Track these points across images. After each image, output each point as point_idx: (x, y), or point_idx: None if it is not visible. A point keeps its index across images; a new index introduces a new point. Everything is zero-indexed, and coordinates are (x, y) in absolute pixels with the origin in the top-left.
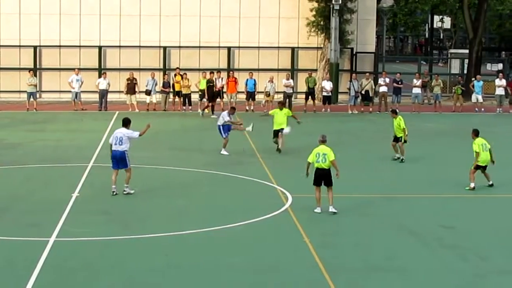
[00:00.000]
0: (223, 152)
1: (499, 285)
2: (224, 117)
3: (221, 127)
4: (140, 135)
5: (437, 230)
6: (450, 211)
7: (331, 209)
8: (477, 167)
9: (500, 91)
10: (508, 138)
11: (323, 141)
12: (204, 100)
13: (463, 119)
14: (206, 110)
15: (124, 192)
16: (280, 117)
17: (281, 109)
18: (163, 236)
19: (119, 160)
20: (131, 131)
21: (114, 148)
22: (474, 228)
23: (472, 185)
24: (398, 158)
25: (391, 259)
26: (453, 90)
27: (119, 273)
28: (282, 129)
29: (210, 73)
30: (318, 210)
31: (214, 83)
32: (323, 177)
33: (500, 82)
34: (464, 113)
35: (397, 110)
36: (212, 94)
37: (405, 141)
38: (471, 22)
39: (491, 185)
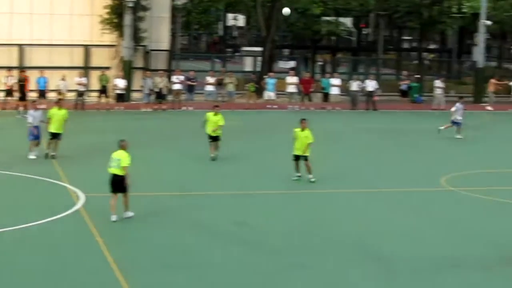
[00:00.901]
0: (32, 155)
1: (292, 279)
2: (38, 116)
3: (34, 128)
4: None
5: (230, 226)
6: (247, 207)
7: (126, 214)
8: (297, 158)
9: (291, 89)
10: None
11: (120, 146)
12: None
13: (256, 116)
14: (20, 109)
15: None
16: (59, 118)
17: (59, 108)
18: None
19: None
20: None
21: None
22: (265, 224)
23: (298, 173)
24: (214, 158)
25: (185, 256)
26: (246, 87)
27: None
28: (59, 134)
29: (21, 72)
30: (114, 218)
31: (25, 82)
32: (116, 183)
33: (292, 79)
34: (257, 110)
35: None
36: (23, 92)
37: (217, 138)
38: (265, 21)
39: (310, 180)
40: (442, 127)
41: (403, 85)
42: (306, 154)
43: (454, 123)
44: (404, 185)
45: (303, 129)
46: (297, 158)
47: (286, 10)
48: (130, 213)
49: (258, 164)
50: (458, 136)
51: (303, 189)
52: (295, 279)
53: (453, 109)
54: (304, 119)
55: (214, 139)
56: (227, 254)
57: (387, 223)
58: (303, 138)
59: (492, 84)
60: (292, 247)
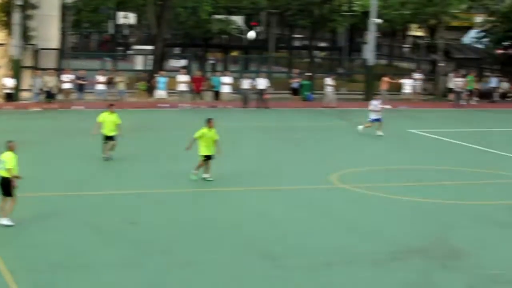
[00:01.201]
0: None
1: (181, 278)
2: None
3: None
4: None
5: (122, 226)
6: (140, 206)
7: (4, 221)
8: (207, 158)
9: (182, 87)
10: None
11: (7, 148)
12: None
13: (147, 115)
14: None
15: None
16: None
17: None
18: None
19: None
20: None
21: None
22: (157, 223)
23: (196, 171)
24: (108, 158)
25: (75, 256)
26: (137, 86)
27: None
28: None
29: None
30: (5, 222)
31: None
32: (3, 186)
33: (183, 78)
34: (148, 109)
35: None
36: None
37: (113, 138)
38: (156, 19)
39: (206, 179)
40: (361, 127)
41: (294, 83)
42: (216, 153)
43: (374, 120)
44: (295, 183)
45: (210, 128)
46: (208, 158)
47: (251, 34)
48: (6, 221)
49: (151, 163)
50: (379, 133)
51: (197, 188)
52: (184, 277)
53: (370, 107)
54: (211, 118)
55: (110, 138)
56: (118, 254)
57: (278, 221)
58: (212, 137)
59: (385, 82)
60: (183, 246)
